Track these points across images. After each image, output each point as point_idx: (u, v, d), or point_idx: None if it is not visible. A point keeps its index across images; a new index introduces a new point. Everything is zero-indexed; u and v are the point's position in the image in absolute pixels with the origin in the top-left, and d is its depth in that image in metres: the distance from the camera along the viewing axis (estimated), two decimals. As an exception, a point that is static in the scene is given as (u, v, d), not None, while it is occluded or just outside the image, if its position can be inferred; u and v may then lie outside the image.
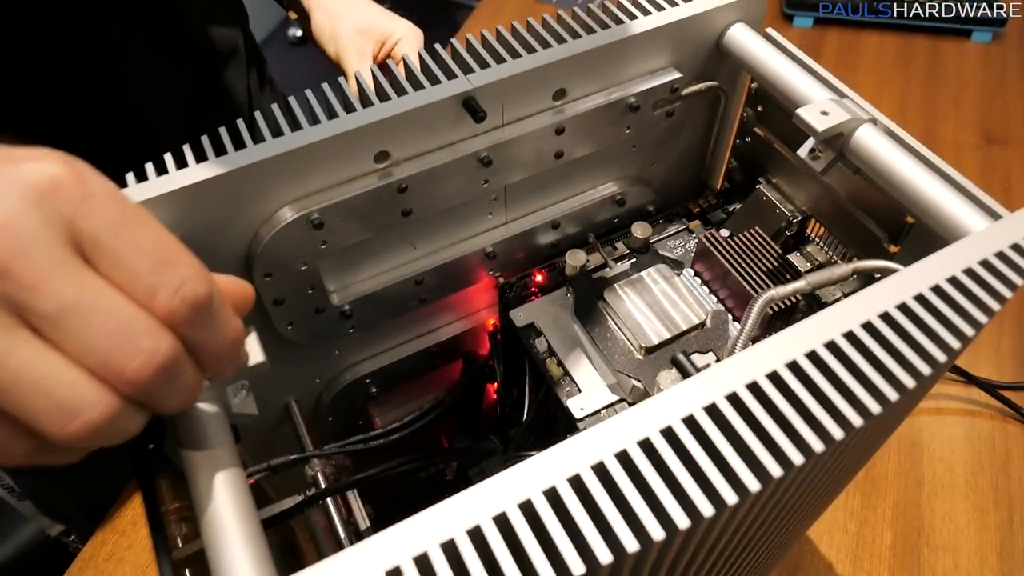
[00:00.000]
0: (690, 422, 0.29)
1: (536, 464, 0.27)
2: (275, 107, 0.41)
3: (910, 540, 0.70)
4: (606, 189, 0.54)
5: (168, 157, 0.39)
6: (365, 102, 0.41)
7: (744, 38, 0.46)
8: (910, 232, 0.45)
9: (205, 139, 0.40)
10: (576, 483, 0.27)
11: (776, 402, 0.29)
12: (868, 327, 0.31)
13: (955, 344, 0.31)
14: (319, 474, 0.51)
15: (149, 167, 0.38)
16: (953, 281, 0.33)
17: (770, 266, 0.49)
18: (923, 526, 0.70)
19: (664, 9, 0.46)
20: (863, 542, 0.70)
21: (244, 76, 0.67)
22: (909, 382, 0.30)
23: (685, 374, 0.41)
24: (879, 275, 0.41)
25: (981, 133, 0.99)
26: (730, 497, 0.27)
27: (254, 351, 0.32)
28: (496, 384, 0.56)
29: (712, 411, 0.29)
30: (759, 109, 0.53)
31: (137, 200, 0.37)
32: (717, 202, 0.57)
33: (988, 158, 0.97)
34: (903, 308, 0.32)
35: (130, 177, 0.38)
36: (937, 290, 0.32)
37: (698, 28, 0.47)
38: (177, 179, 0.38)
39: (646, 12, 0.46)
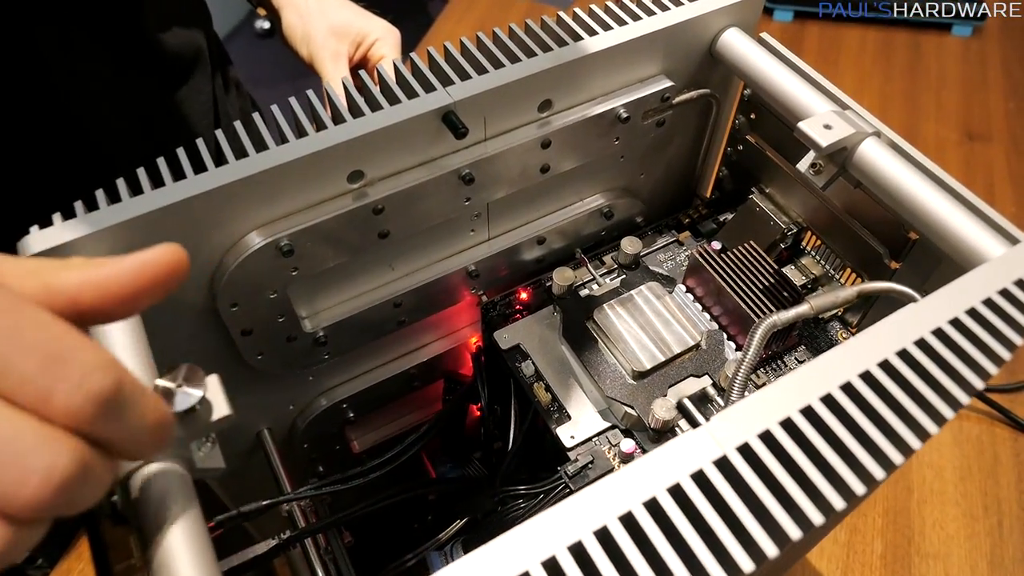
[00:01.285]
0: (699, 478, 0.26)
1: (534, 529, 0.25)
2: (238, 125, 0.38)
3: (901, 549, 0.68)
4: (593, 202, 0.51)
5: (121, 183, 0.35)
6: (337, 118, 0.38)
7: (738, 44, 0.44)
8: (913, 248, 0.43)
9: (162, 161, 0.36)
10: (577, 551, 0.25)
11: (791, 453, 0.27)
12: (885, 366, 0.29)
13: (978, 384, 0.29)
14: (295, 508, 0.48)
15: (100, 195, 0.35)
16: (973, 313, 0.31)
17: (766, 283, 0.46)
18: (913, 534, 0.69)
19: (655, 14, 0.43)
20: (854, 552, 0.69)
21: (209, 81, 0.63)
22: (931, 427, 0.28)
23: (693, 423, 0.38)
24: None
25: (963, 130, 0.98)
26: (746, 565, 0.25)
27: (218, 402, 0.29)
28: (480, 404, 0.54)
29: (723, 465, 0.27)
30: (752, 116, 0.50)
31: (88, 232, 0.34)
32: (707, 212, 0.55)
33: (970, 155, 0.96)
34: (921, 344, 0.30)
35: (79, 206, 0.35)
36: (956, 324, 0.30)
37: (690, 34, 0.44)
38: (131, 207, 0.34)
39: (636, 17, 0.43)
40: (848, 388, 0.29)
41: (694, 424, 0.40)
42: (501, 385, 0.50)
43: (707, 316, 0.49)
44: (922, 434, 0.28)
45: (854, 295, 0.39)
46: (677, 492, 0.26)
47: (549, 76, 0.41)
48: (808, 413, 0.28)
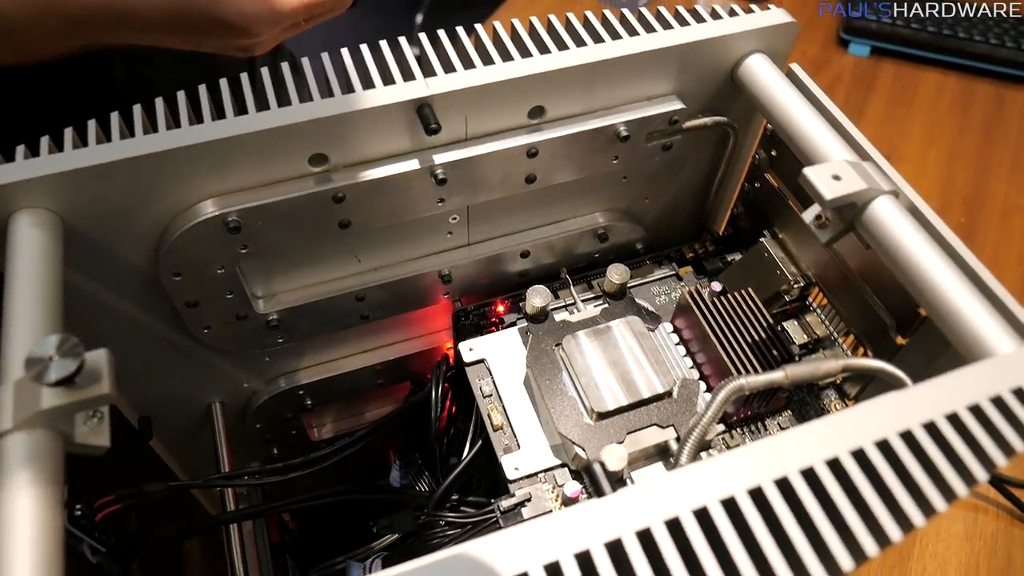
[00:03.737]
0: (583, 559, 0.23)
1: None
2: (202, 89, 0.36)
3: (887, 641, 0.63)
4: (588, 221, 0.48)
5: (68, 133, 0.34)
6: (304, 96, 0.36)
7: (761, 72, 0.40)
8: (922, 325, 0.38)
9: (115, 117, 0.35)
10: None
11: (725, 538, 0.23)
12: (859, 456, 0.25)
13: (961, 490, 0.25)
14: (227, 491, 0.47)
15: (44, 142, 0.33)
16: (953, 420, 0.26)
17: (756, 337, 0.42)
18: (903, 627, 0.64)
19: (671, 28, 0.39)
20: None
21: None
22: (895, 534, 0.24)
23: (599, 492, 0.35)
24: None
25: (1037, 197, 0.91)
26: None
27: (100, 379, 0.27)
28: (445, 413, 0.51)
29: (614, 549, 0.23)
30: (773, 153, 0.46)
31: (28, 178, 0.32)
32: (715, 249, 0.51)
33: (1040, 225, 0.88)
34: (907, 437, 0.26)
35: (19, 150, 0.33)
36: (931, 429, 0.26)
37: (710, 54, 0.40)
38: (71, 159, 0.33)
39: (650, 28, 0.39)
40: (809, 474, 0.25)
41: (599, 493, 0.36)
42: (465, 399, 0.48)
43: (689, 362, 0.45)
44: (882, 539, 0.24)
45: (838, 369, 0.35)
46: (554, 570, 0.23)
47: (541, 81, 0.37)
48: (756, 495, 0.24)
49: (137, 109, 0.35)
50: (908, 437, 0.26)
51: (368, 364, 0.51)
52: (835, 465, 0.25)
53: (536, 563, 0.23)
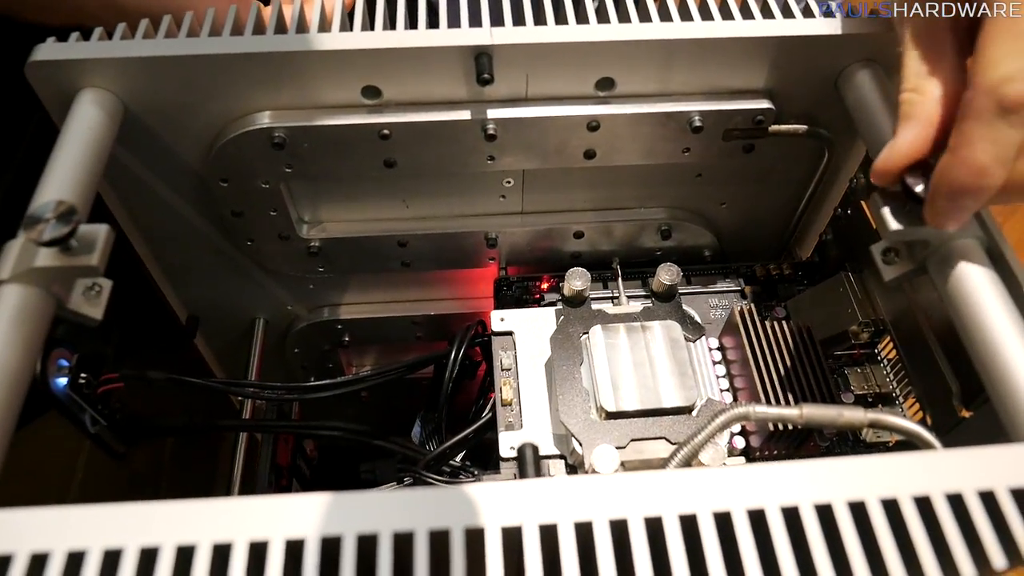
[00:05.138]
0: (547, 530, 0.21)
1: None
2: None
3: None
4: (651, 214, 0.45)
5: (143, 23, 0.35)
6: (365, 25, 0.35)
7: (863, 86, 0.35)
8: (990, 400, 0.33)
9: (189, 15, 0.36)
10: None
11: (635, 555, 0.21)
12: (823, 511, 0.22)
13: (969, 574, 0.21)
14: (247, 401, 0.48)
15: (120, 28, 0.35)
16: (955, 500, 0.22)
17: (801, 375, 0.38)
18: None
19: (773, 18, 0.36)
20: None
21: None
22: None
23: (522, 473, 0.33)
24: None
25: None
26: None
27: (92, 250, 0.28)
28: (477, 381, 0.50)
29: (509, 534, 0.21)
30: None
31: (97, 57, 0.34)
32: (792, 274, 0.47)
33: None
34: (857, 507, 0.22)
35: (97, 32, 0.35)
36: (923, 504, 0.22)
37: (811, 54, 0.36)
38: (137, 47, 0.34)
39: (748, 14, 0.36)
40: (790, 513, 0.22)
41: (522, 474, 0.35)
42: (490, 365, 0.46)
43: (724, 384, 0.41)
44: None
45: (864, 422, 0.30)
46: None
47: (613, 50, 0.35)
48: (652, 524, 0.22)
49: (210, 12, 0.36)
50: (890, 505, 0.22)
51: (408, 314, 0.51)
52: (791, 514, 0.22)
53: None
